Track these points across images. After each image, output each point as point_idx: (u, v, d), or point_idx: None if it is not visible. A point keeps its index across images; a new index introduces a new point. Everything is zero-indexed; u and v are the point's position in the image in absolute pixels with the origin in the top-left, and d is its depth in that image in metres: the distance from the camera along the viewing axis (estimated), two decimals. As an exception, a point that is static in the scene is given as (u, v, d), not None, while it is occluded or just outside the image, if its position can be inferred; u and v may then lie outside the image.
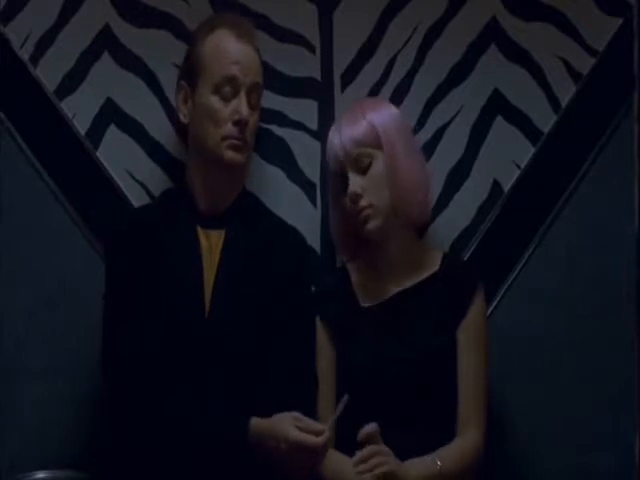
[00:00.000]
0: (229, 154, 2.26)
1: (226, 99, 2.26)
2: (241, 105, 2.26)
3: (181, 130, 2.41)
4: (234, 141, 2.26)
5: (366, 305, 2.36)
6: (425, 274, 2.36)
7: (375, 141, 2.31)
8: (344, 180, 2.32)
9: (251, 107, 2.28)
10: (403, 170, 2.32)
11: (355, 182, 2.29)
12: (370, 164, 2.30)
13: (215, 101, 2.26)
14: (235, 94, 2.27)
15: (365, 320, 2.34)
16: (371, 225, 2.30)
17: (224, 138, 2.25)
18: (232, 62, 2.27)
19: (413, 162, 2.35)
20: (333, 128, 2.37)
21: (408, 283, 2.35)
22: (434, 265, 2.37)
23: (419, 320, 2.32)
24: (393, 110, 2.40)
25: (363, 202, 2.29)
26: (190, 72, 2.31)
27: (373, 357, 2.30)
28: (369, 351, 2.31)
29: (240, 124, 2.25)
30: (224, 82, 2.26)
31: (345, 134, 2.31)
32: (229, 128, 2.25)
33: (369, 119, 2.32)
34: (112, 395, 2.21)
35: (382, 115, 2.35)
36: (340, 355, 2.33)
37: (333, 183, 2.39)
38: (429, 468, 2.21)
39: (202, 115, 2.27)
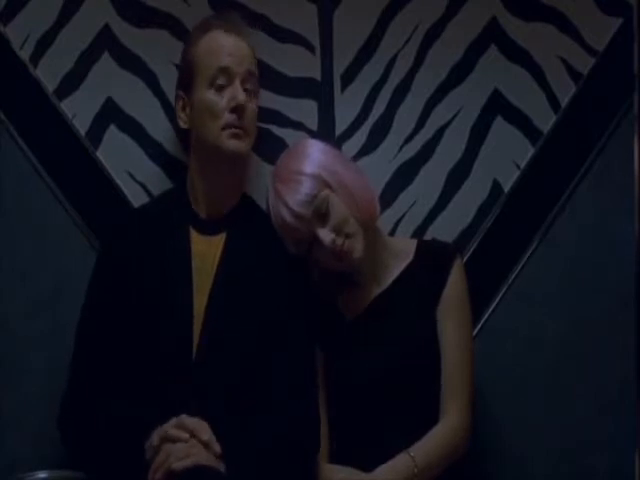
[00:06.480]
0: (230, 143, 2.25)
1: (221, 90, 2.26)
2: (236, 91, 2.26)
3: (183, 138, 2.41)
4: (233, 129, 2.25)
5: (351, 319, 2.35)
6: (401, 267, 2.36)
7: (322, 184, 2.26)
8: (311, 239, 2.27)
9: (248, 94, 2.28)
10: (354, 187, 2.29)
11: (325, 234, 2.25)
12: (327, 205, 2.26)
13: (211, 94, 2.27)
14: (229, 84, 2.27)
15: (352, 334, 2.33)
16: (357, 252, 2.27)
17: (224, 128, 2.25)
18: (224, 54, 2.28)
19: (354, 172, 2.34)
20: (277, 207, 2.27)
21: (386, 283, 2.35)
22: (410, 255, 2.37)
23: (402, 315, 2.31)
24: (312, 144, 2.36)
25: (340, 240, 2.25)
26: (185, 77, 2.31)
27: (363, 367, 2.28)
28: (359, 362, 2.29)
29: (237, 110, 2.25)
30: (218, 73, 2.26)
31: (293, 203, 2.24)
32: (227, 117, 2.25)
33: (306, 172, 2.27)
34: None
35: (312, 159, 2.29)
36: (332, 372, 2.31)
37: (297, 250, 2.30)
38: (403, 464, 2.19)
39: (201, 112, 2.27)
